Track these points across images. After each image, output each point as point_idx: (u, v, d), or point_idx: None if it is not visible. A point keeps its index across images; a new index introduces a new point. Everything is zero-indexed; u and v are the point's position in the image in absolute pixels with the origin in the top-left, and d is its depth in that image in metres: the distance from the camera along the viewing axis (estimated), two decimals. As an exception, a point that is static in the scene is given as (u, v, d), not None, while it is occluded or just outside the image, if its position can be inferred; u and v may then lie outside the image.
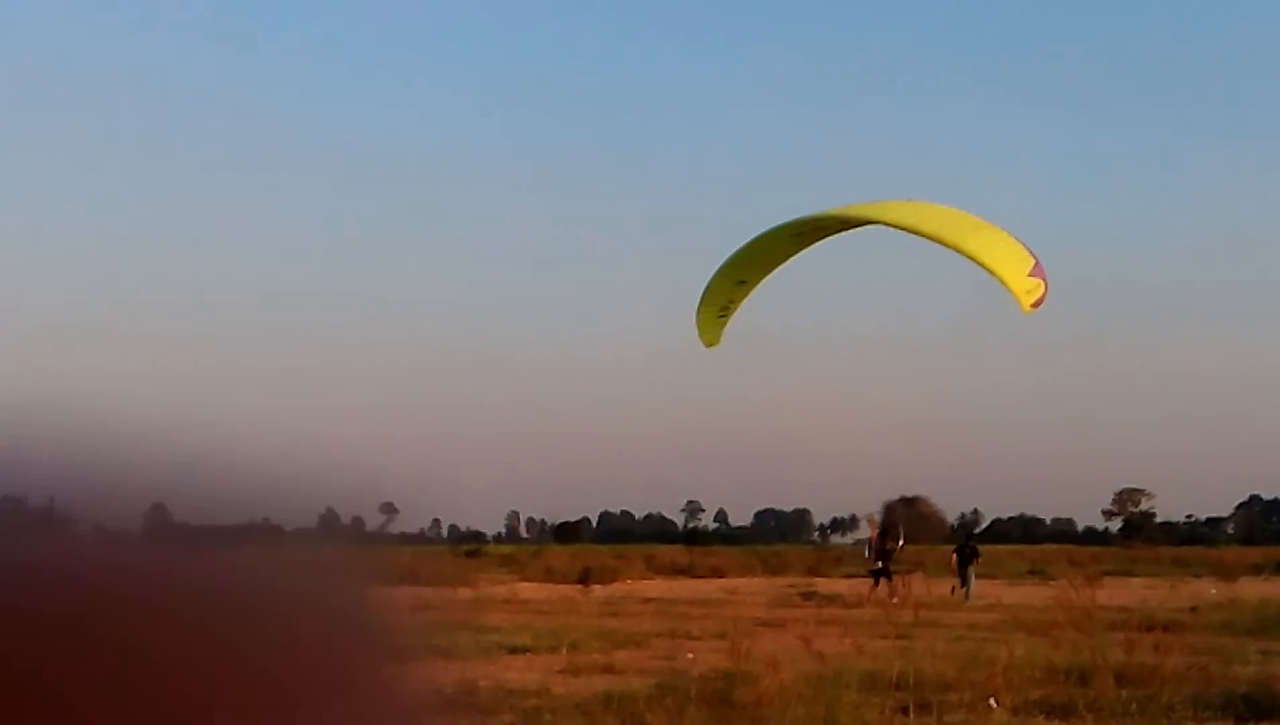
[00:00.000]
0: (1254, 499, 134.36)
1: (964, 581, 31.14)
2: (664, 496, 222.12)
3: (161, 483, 0.56)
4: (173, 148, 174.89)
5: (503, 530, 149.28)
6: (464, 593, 30.46)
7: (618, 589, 36.64)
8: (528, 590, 34.22)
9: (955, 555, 33.05)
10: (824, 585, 36.46)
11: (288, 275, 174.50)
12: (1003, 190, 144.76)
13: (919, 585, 25.32)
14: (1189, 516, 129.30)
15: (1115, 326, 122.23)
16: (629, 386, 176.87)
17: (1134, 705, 11.20)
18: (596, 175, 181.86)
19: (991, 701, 11.24)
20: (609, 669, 14.97)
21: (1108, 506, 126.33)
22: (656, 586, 38.78)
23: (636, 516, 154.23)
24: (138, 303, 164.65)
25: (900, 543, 33.50)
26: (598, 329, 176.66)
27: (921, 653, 13.89)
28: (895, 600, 27.62)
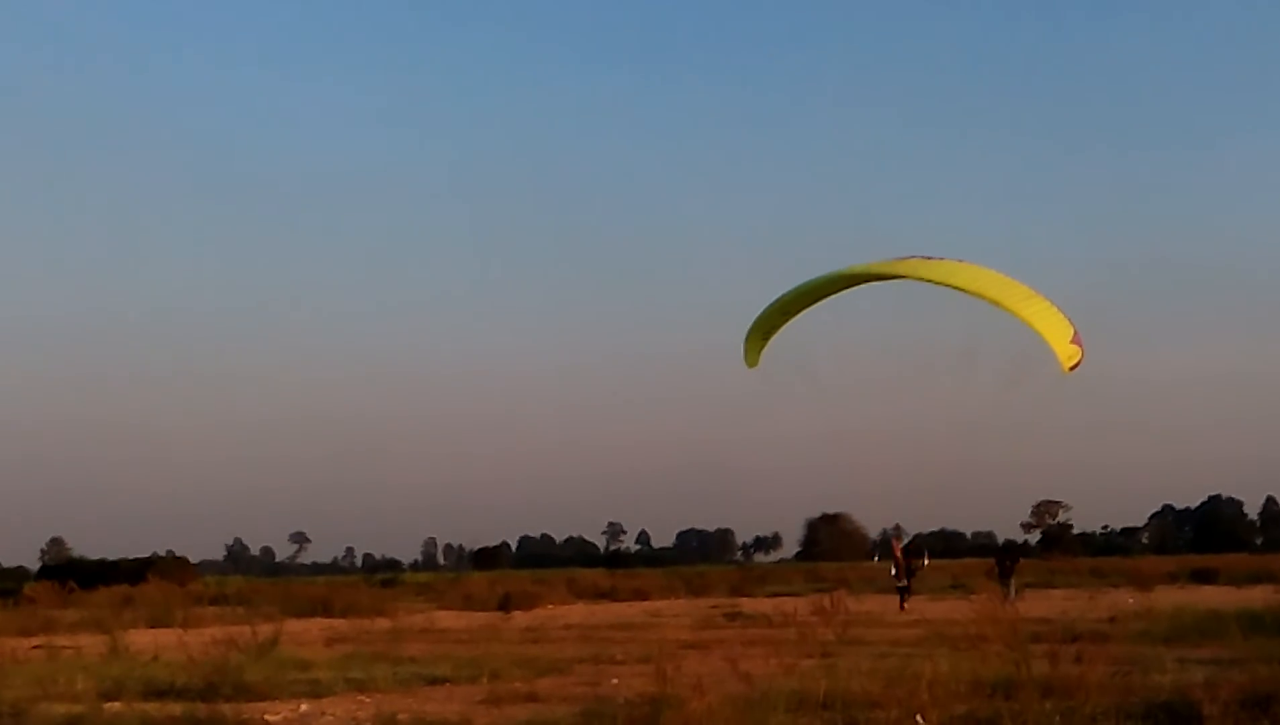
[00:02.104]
0: (1166, 509, 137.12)
1: (1007, 591, 31.63)
2: (584, 519, 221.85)
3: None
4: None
5: (419, 557, 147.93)
6: (380, 623, 30.03)
7: (539, 615, 36.35)
8: (446, 618, 33.81)
9: (996, 567, 33.78)
10: (749, 605, 36.48)
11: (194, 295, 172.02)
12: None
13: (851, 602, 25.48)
14: (1105, 527, 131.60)
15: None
16: (545, 405, 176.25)
17: (1058, 717, 11.27)
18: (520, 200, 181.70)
19: (918, 718, 11.23)
20: (532, 698, 14.74)
21: (1026, 519, 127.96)
22: (579, 611, 38.53)
23: (557, 540, 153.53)
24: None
25: (925, 561, 34.60)
26: (510, 347, 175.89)
27: (847, 671, 13.85)
28: (905, 608, 30.00)
